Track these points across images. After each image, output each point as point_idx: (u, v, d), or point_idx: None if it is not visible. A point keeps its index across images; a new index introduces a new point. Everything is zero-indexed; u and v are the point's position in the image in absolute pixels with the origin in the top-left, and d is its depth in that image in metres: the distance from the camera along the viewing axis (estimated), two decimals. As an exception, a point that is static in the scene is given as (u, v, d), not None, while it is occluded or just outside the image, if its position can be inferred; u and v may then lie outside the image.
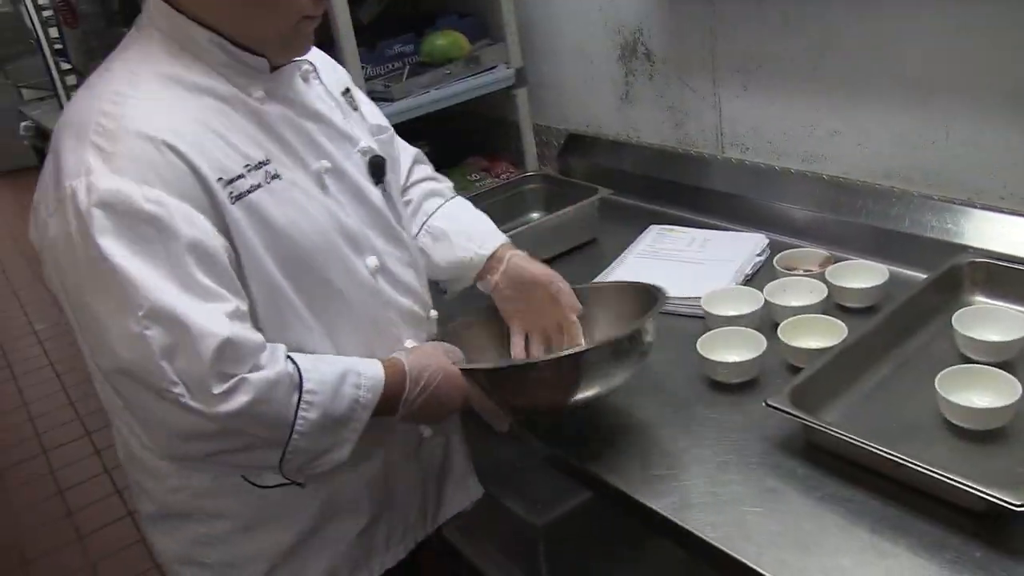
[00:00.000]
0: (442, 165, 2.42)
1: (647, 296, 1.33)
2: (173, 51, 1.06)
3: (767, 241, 1.76)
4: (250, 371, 0.99)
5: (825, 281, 1.50)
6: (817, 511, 1.09)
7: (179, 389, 0.95)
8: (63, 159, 0.99)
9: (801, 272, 1.59)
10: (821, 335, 1.37)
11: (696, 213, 1.98)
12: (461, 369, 1.21)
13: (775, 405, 1.17)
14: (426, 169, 1.54)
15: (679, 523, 1.11)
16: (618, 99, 2.20)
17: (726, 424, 1.27)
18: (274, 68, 1.13)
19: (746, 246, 1.74)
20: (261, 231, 1.06)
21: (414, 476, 1.35)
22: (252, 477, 1.16)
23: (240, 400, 0.97)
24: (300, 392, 1.03)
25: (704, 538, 1.08)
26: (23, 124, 6.31)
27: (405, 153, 1.51)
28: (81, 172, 0.95)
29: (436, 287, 1.45)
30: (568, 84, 2.34)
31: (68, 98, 4.74)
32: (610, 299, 1.43)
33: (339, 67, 1.37)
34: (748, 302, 1.49)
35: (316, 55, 1.26)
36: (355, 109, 1.32)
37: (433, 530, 1.42)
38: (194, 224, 0.98)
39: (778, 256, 1.62)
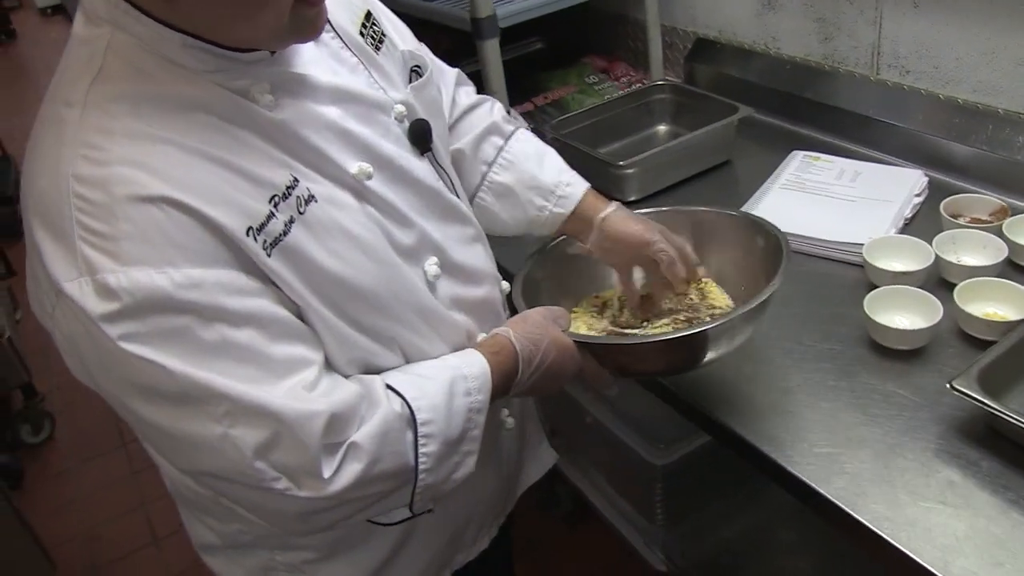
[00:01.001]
0: (556, 65, 2.29)
1: (770, 241, 1.20)
2: (145, 61, 0.80)
3: (926, 180, 1.60)
4: (360, 427, 0.86)
5: (1002, 235, 1.36)
6: (1009, 515, 0.98)
7: (283, 484, 0.81)
8: (47, 259, 0.76)
9: (969, 220, 1.45)
10: (1002, 302, 1.24)
11: (844, 139, 1.82)
12: (575, 341, 1.07)
13: (962, 390, 1.06)
14: (470, 93, 1.30)
15: (852, 513, 1.02)
16: (758, 4, 2.00)
17: (896, 399, 1.17)
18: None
19: (903, 184, 1.59)
20: (306, 278, 0.86)
21: (496, 468, 1.24)
22: (391, 515, 1.04)
23: (352, 471, 0.84)
24: (415, 428, 0.90)
25: (881, 535, 0.99)
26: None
27: (444, 79, 1.26)
28: (80, 272, 0.74)
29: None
30: (702, -17, 2.14)
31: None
32: (727, 233, 1.30)
33: None
34: (915, 256, 1.36)
35: None
36: (381, 42, 1.05)
37: (512, 508, 1.35)
38: (239, 291, 0.80)
39: (945, 202, 1.47)
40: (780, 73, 1.99)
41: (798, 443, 1.13)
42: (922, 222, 1.51)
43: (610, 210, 1.22)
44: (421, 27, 1.06)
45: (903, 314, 1.26)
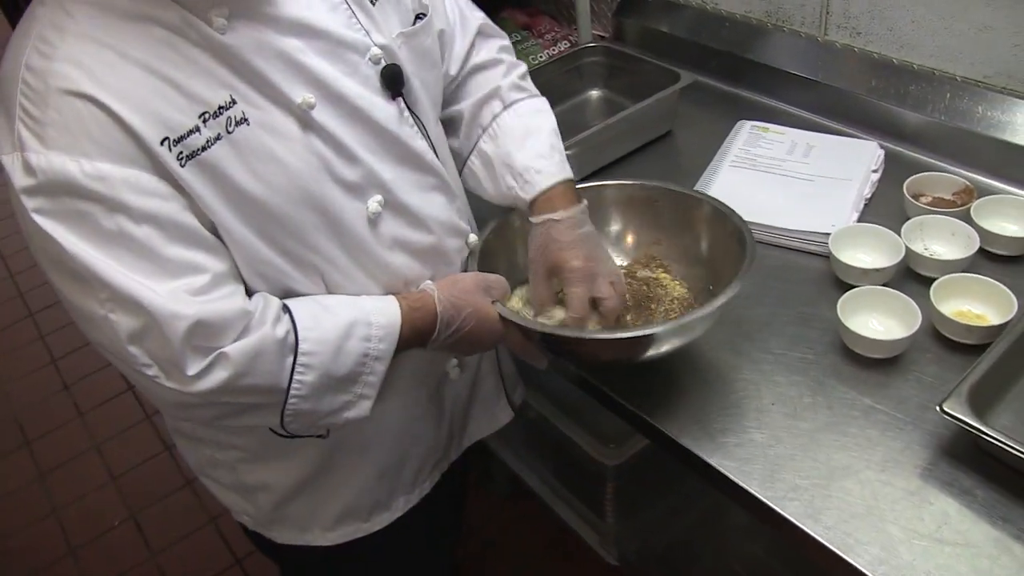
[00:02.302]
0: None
1: (733, 232, 1.15)
2: None
3: (882, 152, 1.51)
4: (235, 340, 0.91)
5: (970, 220, 1.28)
6: (1012, 552, 0.91)
7: (153, 371, 0.90)
8: None
9: (931, 201, 1.37)
10: (977, 298, 1.17)
11: (790, 105, 1.71)
12: (500, 316, 1.09)
13: (954, 415, 0.97)
14: (491, 48, 1.26)
15: (845, 557, 0.93)
16: (695, -46, 1.87)
17: (876, 416, 1.08)
18: None
19: (859, 158, 1.49)
20: (222, 193, 0.91)
21: (436, 415, 1.26)
22: (273, 428, 1.07)
23: (218, 376, 0.90)
24: (295, 355, 0.95)
25: (875, 579, 0.91)
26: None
27: (464, 28, 1.23)
28: (15, 147, 0.85)
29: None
30: (632, -71, 1.98)
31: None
32: (687, 214, 1.24)
33: None
34: (883, 248, 1.27)
35: None
36: None
37: (457, 457, 1.36)
38: (145, 192, 0.86)
39: (908, 182, 1.38)
40: (719, 31, 1.86)
41: (779, 473, 1.03)
42: (883, 203, 1.42)
43: (559, 216, 1.13)
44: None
45: (876, 316, 1.18)
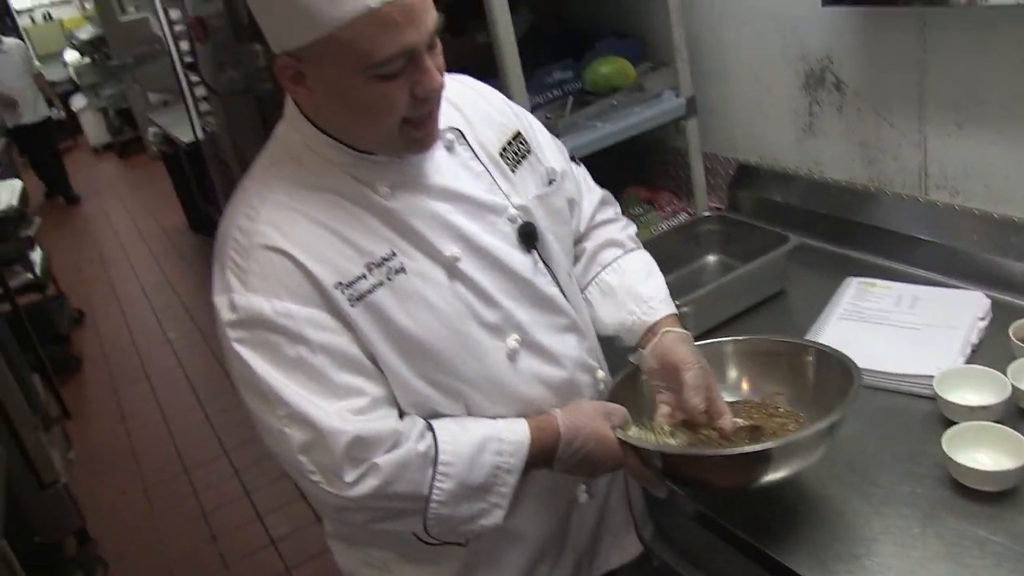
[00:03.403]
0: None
1: (839, 368, 1.22)
2: (304, 153, 1.11)
3: (988, 302, 1.57)
4: (386, 453, 1.07)
5: (1077, 362, 1.32)
6: None
7: (317, 477, 1.07)
8: (215, 273, 1.10)
9: (1042, 346, 1.42)
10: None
11: (897, 262, 1.81)
12: (618, 438, 1.18)
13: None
14: (609, 213, 1.46)
15: None
16: (799, 130, 2.03)
17: (991, 547, 1.11)
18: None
19: (966, 308, 1.56)
20: (383, 330, 1.09)
21: (566, 537, 1.35)
22: (417, 534, 1.18)
23: (370, 484, 1.06)
24: (435, 465, 1.09)
25: None
26: (151, 131, 6.48)
27: (589, 195, 1.43)
28: (224, 289, 1.07)
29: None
30: (740, 111, 2.18)
31: (197, 108, 4.80)
32: (795, 361, 1.32)
33: (510, 108, 1.31)
34: (990, 387, 1.32)
35: (478, 103, 1.26)
36: (523, 158, 1.27)
37: None
38: (321, 327, 1.06)
39: (1014, 326, 1.44)
40: (826, 197, 2.00)
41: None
42: (990, 347, 1.47)
43: (678, 331, 1.29)
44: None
45: (985, 451, 1.22)
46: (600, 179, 1.48)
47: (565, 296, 1.25)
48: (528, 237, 1.21)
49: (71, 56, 10.96)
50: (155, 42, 6.66)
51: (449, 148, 1.18)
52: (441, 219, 1.13)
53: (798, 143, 2.05)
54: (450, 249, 1.13)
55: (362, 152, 1.10)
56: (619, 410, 1.22)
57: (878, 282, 1.71)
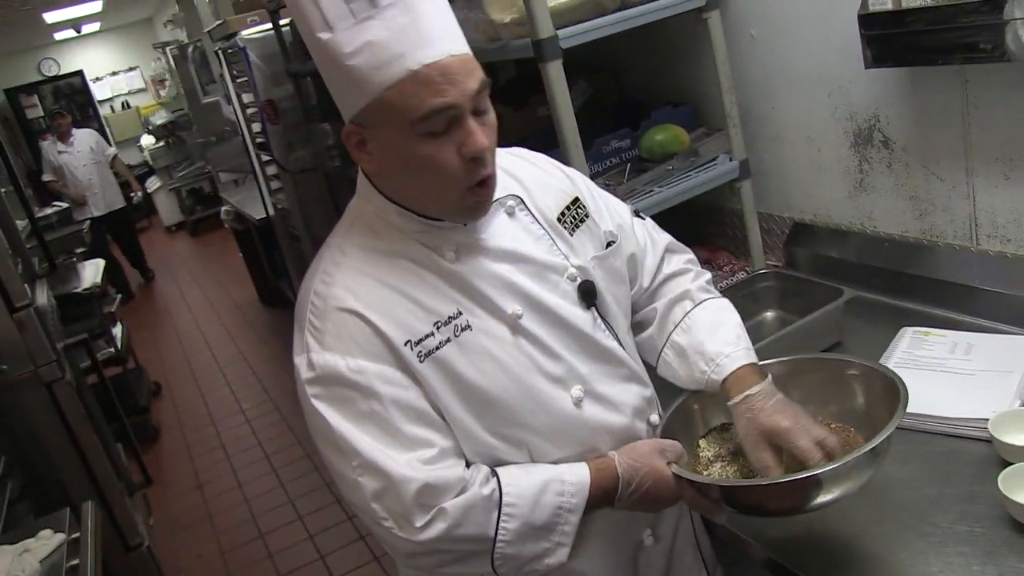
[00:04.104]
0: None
1: (886, 386, 1.25)
2: (375, 222, 1.22)
3: (1044, 347, 1.61)
4: (453, 498, 1.14)
5: None
6: None
7: (389, 523, 1.14)
8: (295, 335, 1.20)
9: (1096, 387, 1.45)
10: None
11: (951, 311, 1.85)
12: (674, 474, 1.23)
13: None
14: (677, 263, 1.49)
15: None
16: (851, 187, 2.10)
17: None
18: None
19: (1020, 352, 1.60)
20: (451, 384, 1.17)
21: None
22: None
23: (438, 528, 1.13)
24: (500, 507, 1.16)
25: None
26: (223, 208, 6.76)
27: (654, 248, 1.47)
28: (303, 349, 1.17)
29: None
30: (792, 171, 2.26)
31: (268, 185, 5.02)
32: (836, 375, 1.35)
33: (566, 175, 1.39)
34: (1045, 428, 1.36)
35: (535, 172, 1.35)
36: (581, 222, 1.34)
37: None
38: (392, 382, 1.14)
39: (1068, 369, 1.47)
40: (879, 251, 2.05)
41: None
42: (1047, 391, 1.51)
43: (755, 390, 1.26)
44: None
45: (1042, 489, 1.25)
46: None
47: (623, 348, 1.32)
48: (588, 295, 1.28)
49: (146, 140, 11.53)
50: (226, 124, 7.00)
51: (510, 214, 1.27)
52: (503, 279, 1.22)
53: (850, 199, 2.12)
54: (512, 307, 1.21)
55: (429, 219, 1.19)
56: (674, 446, 1.27)
57: (932, 331, 1.75)
